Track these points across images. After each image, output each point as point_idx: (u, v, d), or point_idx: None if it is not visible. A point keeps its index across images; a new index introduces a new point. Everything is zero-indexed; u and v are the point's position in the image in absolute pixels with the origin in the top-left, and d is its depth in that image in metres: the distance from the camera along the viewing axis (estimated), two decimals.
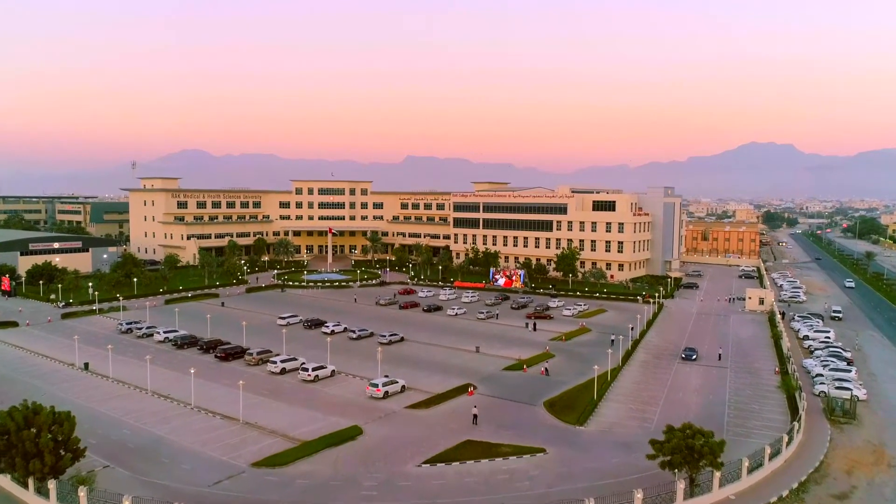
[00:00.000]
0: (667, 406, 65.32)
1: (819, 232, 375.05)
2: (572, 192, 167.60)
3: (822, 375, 73.81)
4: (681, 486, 43.84)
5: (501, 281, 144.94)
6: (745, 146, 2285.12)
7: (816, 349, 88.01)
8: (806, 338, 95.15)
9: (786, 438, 52.67)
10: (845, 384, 68.83)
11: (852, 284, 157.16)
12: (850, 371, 74.36)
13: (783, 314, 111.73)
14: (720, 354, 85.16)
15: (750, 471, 47.90)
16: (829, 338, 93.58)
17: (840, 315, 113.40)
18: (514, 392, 69.86)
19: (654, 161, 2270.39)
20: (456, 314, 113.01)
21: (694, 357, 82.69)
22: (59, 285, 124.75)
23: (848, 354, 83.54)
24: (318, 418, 60.71)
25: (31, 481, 43.81)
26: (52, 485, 42.78)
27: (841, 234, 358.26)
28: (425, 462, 51.44)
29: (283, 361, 76.60)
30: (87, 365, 77.55)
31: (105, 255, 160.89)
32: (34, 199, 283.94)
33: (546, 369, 77.64)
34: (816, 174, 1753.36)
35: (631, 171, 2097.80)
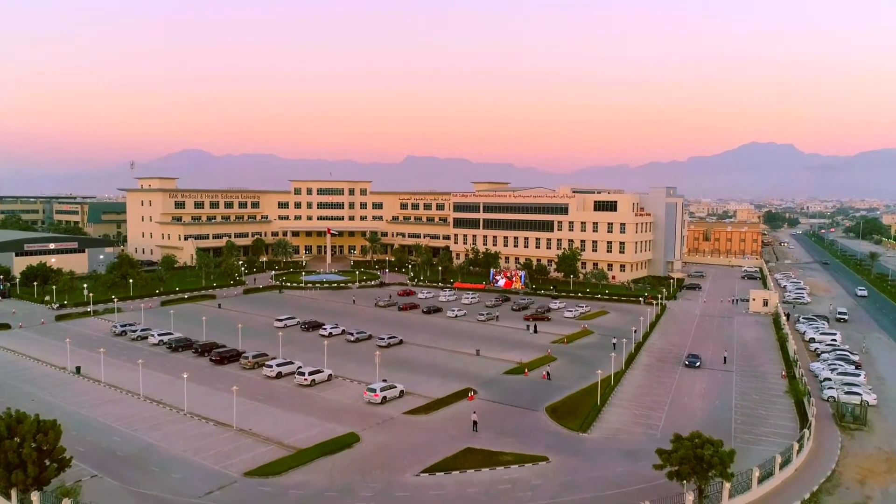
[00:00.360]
0: (672, 411, 63.68)
1: (822, 231, 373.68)
2: (573, 192, 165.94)
3: (829, 379, 71.98)
4: (689, 497, 42.15)
5: (502, 282, 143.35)
6: (745, 146, 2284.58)
7: (823, 352, 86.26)
8: (812, 340, 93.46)
9: (796, 446, 51.01)
10: (854, 389, 67.11)
11: (864, 293, 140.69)
12: (858, 375, 72.51)
13: (788, 316, 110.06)
14: (725, 357, 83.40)
15: (760, 481, 46.27)
16: (835, 340, 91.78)
17: (846, 317, 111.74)
18: (515, 397, 68.22)
19: (655, 161, 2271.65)
20: (456, 316, 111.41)
21: (698, 364, 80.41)
22: (54, 287, 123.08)
23: (856, 357, 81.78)
24: (314, 424, 59.11)
25: (14, 493, 42.21)
26: (35, 497, 41.14)
27: (843, 235, 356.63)
28: (424, 471, 49.81)
29: (279, 365, 74.96)
30: (78, 369, 75.92)
31: (101, 256, 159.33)
32: (32, 200, 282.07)
33: (548, 373, 75.97)
34: (817, 174, 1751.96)
35: (631, 171, 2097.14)
